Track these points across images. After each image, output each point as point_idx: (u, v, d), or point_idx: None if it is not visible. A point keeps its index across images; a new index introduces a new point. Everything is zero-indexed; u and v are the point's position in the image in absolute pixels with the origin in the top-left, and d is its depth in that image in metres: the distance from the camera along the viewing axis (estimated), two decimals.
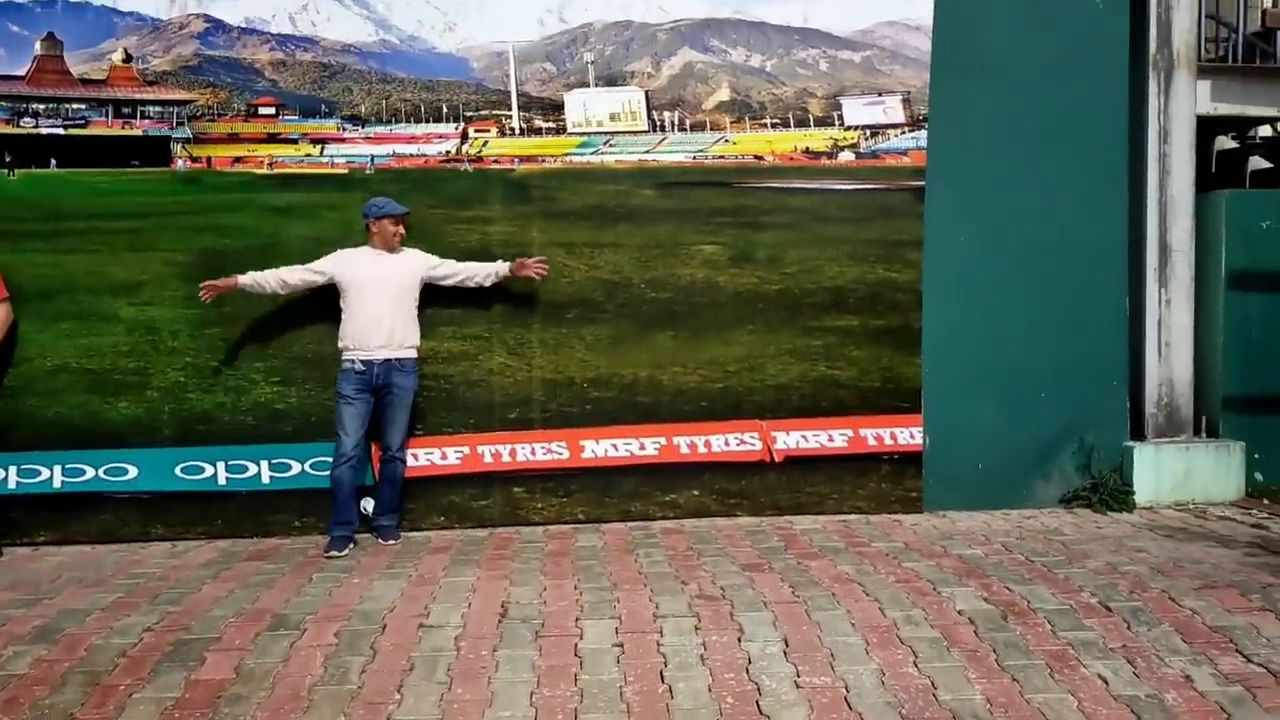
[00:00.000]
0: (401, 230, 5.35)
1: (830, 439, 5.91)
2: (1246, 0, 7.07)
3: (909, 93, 6.02)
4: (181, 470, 5.46)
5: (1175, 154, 6.21)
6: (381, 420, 5.35)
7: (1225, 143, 7.64)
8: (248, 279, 5.29)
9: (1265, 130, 7.59)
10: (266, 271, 5.31)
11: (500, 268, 5.55)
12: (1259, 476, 6.39)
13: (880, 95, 6.02)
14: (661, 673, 3.65)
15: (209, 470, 5.47)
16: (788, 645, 3.87)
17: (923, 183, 5.94)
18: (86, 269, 5.49)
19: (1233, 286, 6.44)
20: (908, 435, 5.95)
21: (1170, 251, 6.25)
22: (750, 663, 3.73)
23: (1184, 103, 6.23)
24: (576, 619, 4.16)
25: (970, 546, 5.24)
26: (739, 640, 3.93)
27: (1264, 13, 7.10)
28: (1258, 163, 7.57)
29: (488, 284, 5.53)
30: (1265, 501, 6.18)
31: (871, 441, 5.92)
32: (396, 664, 3.75)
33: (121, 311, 5.48)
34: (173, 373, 5.49)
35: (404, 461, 5.45)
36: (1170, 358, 6.28)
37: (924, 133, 5.95)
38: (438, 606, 4.36)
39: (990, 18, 5.98)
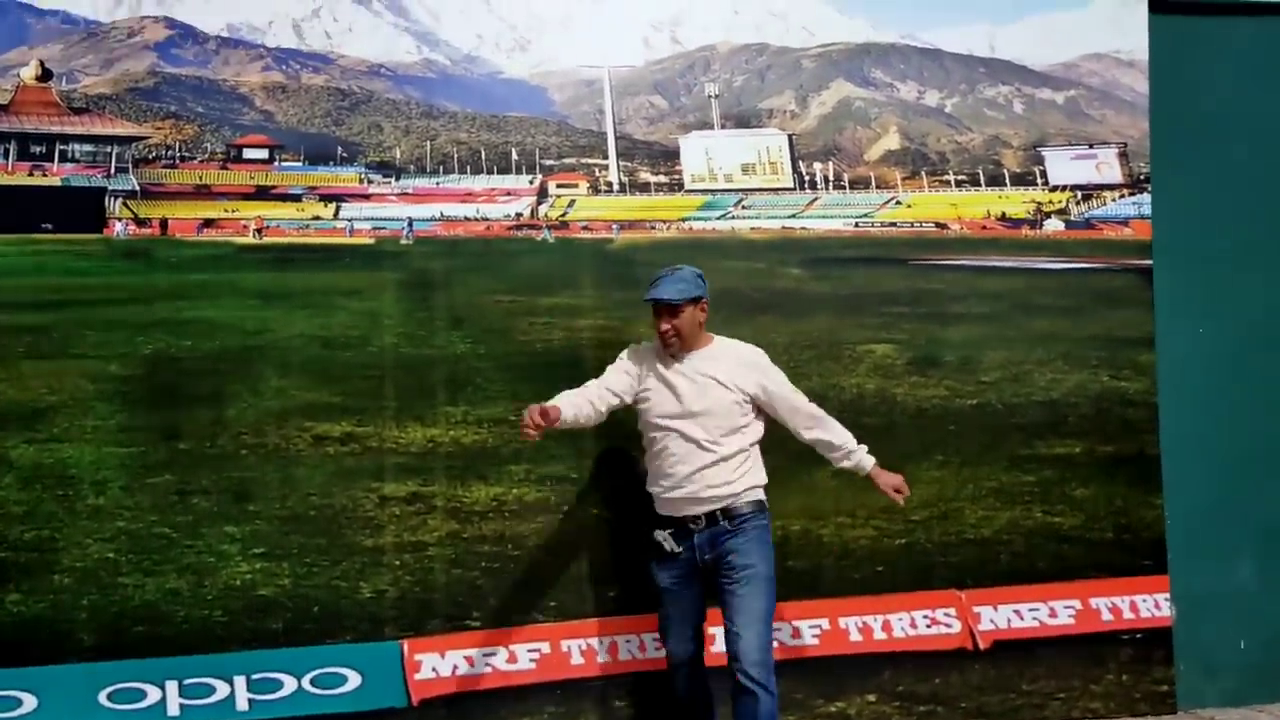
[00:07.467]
0: (664, 327, 3.52)
1: (1052, 614, 4.43)
2: None
3: (1125, 145, 4.62)
4: (109, 697, 3.75)
5: None
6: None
7: None
8: (570, 412, 3.42)
9: None
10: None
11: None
12: None
13: (1091, 147, 4.61)
14: None
15: (153, 695, 3.78)
16: None
17: (1150, 261, 4.51)
18: None
19: None
20: (1151, 605, 4.49)
21: None
22: None
23: None
24: None
25: None
26: None
27: None
28: None
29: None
30: None
31: (1106, 615, 4.47)
32: None
33: (15, 453, 3.80)
34: (96, 545, 3.79)
35: None
36: None
37: (1148, 196, 4.53)
38: None
39: (1218, 52, 4.65)
